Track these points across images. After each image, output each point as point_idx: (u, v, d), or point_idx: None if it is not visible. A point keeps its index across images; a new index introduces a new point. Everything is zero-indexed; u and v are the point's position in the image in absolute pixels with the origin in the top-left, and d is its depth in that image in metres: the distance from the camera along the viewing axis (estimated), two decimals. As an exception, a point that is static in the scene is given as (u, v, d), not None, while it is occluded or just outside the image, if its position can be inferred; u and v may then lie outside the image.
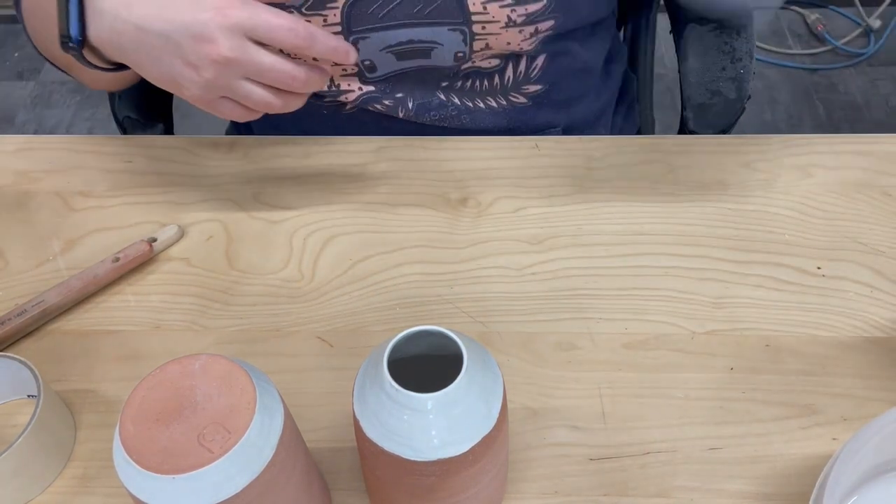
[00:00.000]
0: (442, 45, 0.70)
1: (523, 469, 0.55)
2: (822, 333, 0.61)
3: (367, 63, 0.71)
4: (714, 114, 0.85)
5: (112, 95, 0.89)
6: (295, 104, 0.57)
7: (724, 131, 0.87)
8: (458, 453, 0.43)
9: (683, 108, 0.86)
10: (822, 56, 2.12)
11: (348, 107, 0.78)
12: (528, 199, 0.71)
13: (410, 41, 0.69)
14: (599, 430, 0.56)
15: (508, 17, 0.68)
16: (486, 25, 0.69)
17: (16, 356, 0.56)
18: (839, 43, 2.12)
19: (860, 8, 2.14)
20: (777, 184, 0.71)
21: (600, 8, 0.74)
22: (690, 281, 0.65)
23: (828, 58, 2.11)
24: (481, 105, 0.76)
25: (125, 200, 0.72)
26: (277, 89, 0.56)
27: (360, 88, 0.73)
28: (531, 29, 0.70)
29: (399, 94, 0.75)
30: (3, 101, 2.08)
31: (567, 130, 0.82)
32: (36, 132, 2.00)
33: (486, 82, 0.74)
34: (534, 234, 0.68)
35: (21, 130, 2.00)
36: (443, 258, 0.67)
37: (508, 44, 0.71)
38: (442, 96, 0.75)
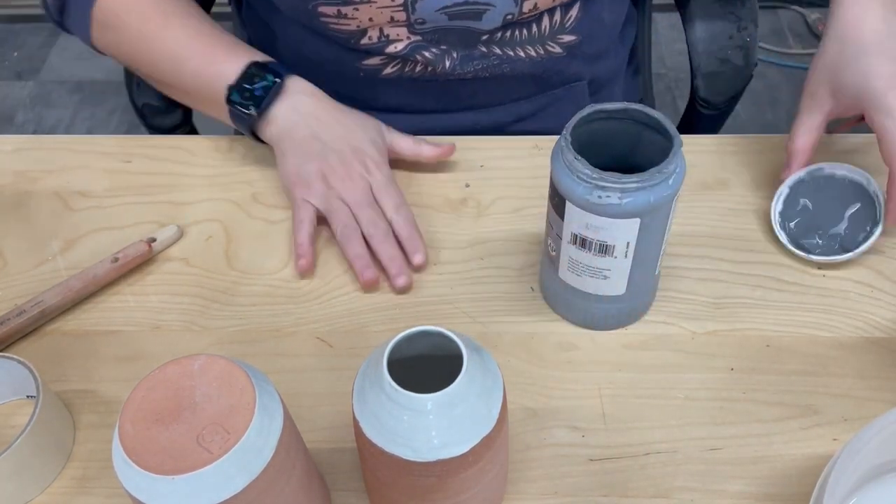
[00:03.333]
0: (494, 6, 0.72)
1: (523, 469, 0.55)
2: (823, 333, 0.61)
3: (418, 20, 0.73)
4: (724, 81, 0.87)
5: (130, 82, 0.89)
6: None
7: (735, 98, 0.89)
8: (458, 454, 0.43)
9: (693, 77, 0.88)
10: (822, 56, 2.12)
11: (387, 70, 0.79)
12: (528, 199, 0.71)
13: (466, 2, 0.71)
14: (599, 430, 0.56)
15: None
16: None
17: (15, 356, 0.56)
18: (839, 42, 2.11)
19: (860, 7, 2.14)
20: (777, 183, 0.71)
21: None
22: (690, 281, 0.65)
23: (828, 57, 2.11)
24: (521, 54, 0.78)
25: (124, 200, 0.72)
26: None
27: (409, 38, 0.74)
28: None
29: (444, 46, 0.76)
30: (3, 101, 2.08)
31: (591, 83, 0.84)
32: (35, 132, 2.00)
33: (524, 31, 0.76)
34: (533, 234, 0.68)
35: (20, 130, 2.00)
36: (443, 258, 0.67)
37: (554, 0, 0.73)
38: (483, 48, 0.77)
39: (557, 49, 0.79)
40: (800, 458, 0.55)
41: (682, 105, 0.95)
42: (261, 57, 0.70)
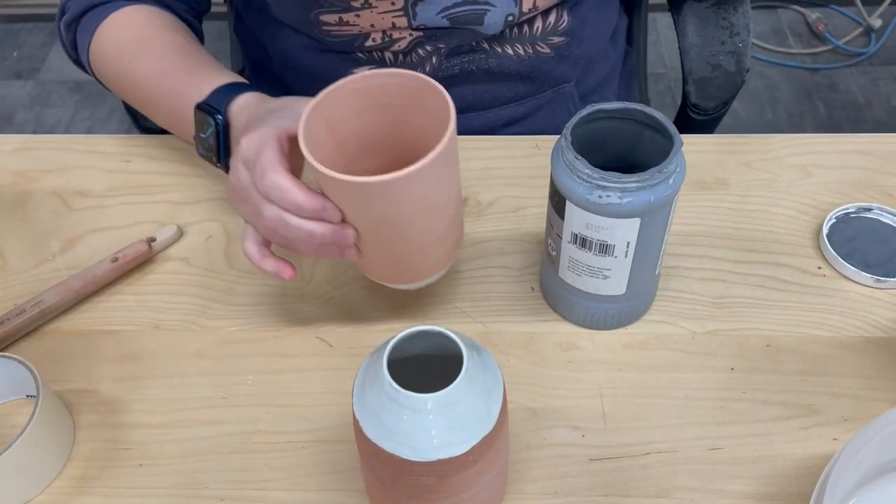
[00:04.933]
0: (495, 6, 0.72)
1: (523, 469, 0.55)
2: (823, 333, 0.61)
3: (420, 25, 0.73)
4: (715, 87, 0.87)
5: (133, 110, 0.89)
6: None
7: (726, 104, 0.89)
8: (458, 453, 0.43)
9: (685, 82, 0.88)
10: (822, 55, 2.12)
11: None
12: (528, 199, 0.71)
13: (466, 2, 0.71)
14: (600, 430, 0.56)
15: None
16: None
17: (15, 356, 0.56)
18: (840, 42, 2.11)
19: (861, 7, 2.14)
20: (777, 183, 0.71)
21: None
22: (690, 281, 0.65)
23: (828, 57, 2.11)
24: (510, 51, 0.78)
25: (124, 200, 0.72)
26: None
27: (411, 34, 0.75)
28: None
29: (441, 46, 0.76)
30: (2, 101, 2.08)
31: (579, 84, 0.84)
32: (35, 132, 2.00)
33: (515, 30, 0.76)
34: (533, 234, 0.68)
35: (20, 130, 2.00)
36: (443, 258, 0.67)
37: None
38: (473, 43, 0.77)
39: (546, 49, 0.79)
40: (800, 458, 0.55)
41: (683, 105, 0.95)
42: (207, 85, 0.64)
